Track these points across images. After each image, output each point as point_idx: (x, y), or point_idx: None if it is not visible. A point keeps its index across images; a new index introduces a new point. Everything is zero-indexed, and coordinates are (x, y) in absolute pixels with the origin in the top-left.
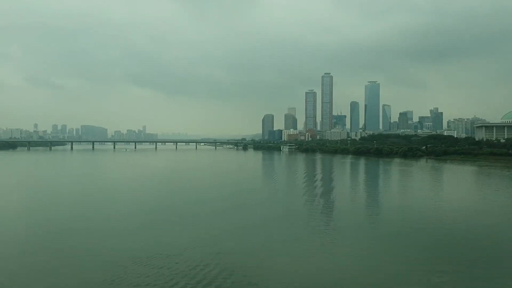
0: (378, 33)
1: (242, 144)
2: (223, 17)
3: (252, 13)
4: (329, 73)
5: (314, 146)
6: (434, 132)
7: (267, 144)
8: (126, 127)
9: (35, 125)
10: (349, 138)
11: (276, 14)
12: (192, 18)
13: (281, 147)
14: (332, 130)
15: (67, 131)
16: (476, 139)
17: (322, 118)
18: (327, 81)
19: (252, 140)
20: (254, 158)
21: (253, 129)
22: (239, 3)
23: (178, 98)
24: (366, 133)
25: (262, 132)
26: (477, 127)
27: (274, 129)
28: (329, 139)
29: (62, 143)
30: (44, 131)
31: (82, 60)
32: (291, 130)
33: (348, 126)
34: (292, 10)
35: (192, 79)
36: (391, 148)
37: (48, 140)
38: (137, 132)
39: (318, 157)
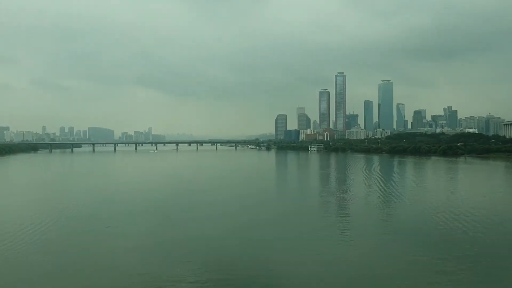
0: (386, 32)
1: (265, 145)
2: (233, 18)
3: (263, 13)
4: (342, 72)
5: (344, 146)
6: (459, 131)
7: (291, 144)
8: (131, 128)
9: (43, 128)
10: (377, 137)
11: (286, 14)
12: (201, 19)
13: (309, 147)
14: (352, 130)
15: (75, 133)
16: (507, 137)
17: (336, 117)
18: (341, 81)
19: (269, 140)
20: (296, 159)
21: (261, 129)
22: (251, 3)
23: (183, 99)
24: (386, 132)
25: (276, 132)
26: (504, 124)
27: (287, 129)
28: (349, 138)
29: (78, 145)
30: (53, 133)
31: (89, 61)
32: (308, 130)
33: (361, 125)
34: (302, 10)
35: (197, 79)
36: (429, 147)
37: (69, 142)
38: (144, 133)
39: (360, 156)
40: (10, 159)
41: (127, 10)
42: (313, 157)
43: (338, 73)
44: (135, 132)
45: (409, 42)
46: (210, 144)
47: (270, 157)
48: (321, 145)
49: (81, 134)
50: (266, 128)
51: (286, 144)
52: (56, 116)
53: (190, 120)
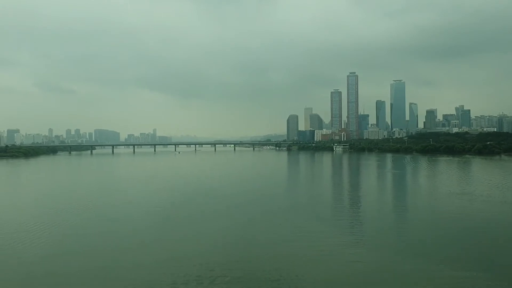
0: (392, 31)
1: (285, 145)
2: (240, 18)
3: (269, 13)
4: (354, 72)
5: (370, 146)
6: (481, 130)
7: (311, 144)
8: (136, 130)
9: (50, 130)
10: (398, 137)
11: (293, 14)
12: (206, 19)
13: (333, 147)
14: (369, 130)
15: (81, 135)
16: None
17: (348, 117)
18: (353, 81)
19: (283, 141)
20: (338, 159)
21: (267, 130)
22: (258, 3)
23: (187, 100)
24: (403, 132)
25: (287, 133)
26: None
27: (299, 129)
28: (367, 138)
29: (92, 147)
30: (61, 136)
31: (93, 64)
32: (324, 130)
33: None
34: (309, 9)
35: (201, 81)
36: (462, 146)
37: (85, 144)
38: (149, 135)
39: (396, 156)
40: (43, 161)
41: (132, 11)
42: (351, 157)
43: (350, 73)
44: (140, 134)
45: (416, 42)
46: (222, 145)
47: (307, 159)
48: (346, 145)
49: (87, 136)
50: (273, 129)
51: (306, 144)
52: (61, 119)
53: (194, 122)
